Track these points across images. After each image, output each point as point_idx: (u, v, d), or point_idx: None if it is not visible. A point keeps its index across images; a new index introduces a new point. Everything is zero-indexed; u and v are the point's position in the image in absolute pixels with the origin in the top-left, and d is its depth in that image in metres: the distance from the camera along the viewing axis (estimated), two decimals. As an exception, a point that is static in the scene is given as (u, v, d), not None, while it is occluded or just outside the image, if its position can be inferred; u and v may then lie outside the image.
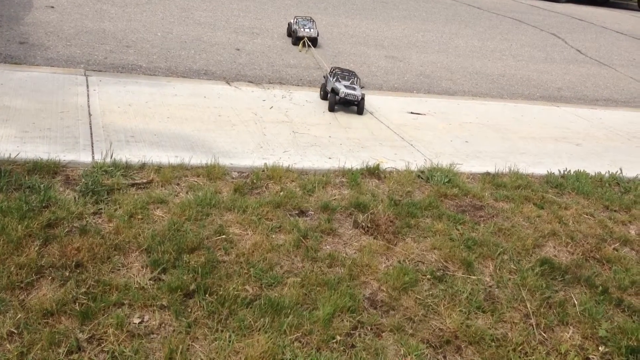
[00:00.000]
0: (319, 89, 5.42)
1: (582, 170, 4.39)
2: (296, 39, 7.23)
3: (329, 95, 5.18)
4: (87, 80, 4.71)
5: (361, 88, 5.21)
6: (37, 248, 2.59)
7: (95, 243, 2.69)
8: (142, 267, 2.64)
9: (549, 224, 3.62)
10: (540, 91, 7.18)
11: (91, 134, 3.73)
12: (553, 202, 3.89)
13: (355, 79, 5.30)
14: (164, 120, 4.16)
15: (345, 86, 5.08)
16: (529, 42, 10.21)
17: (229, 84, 5.36)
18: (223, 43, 6.81)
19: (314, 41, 7.24)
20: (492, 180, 4.07)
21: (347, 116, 4.90)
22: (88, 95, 4.36)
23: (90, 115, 4.01)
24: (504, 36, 10.37)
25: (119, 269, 2.61)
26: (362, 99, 5.08)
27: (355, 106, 5.11)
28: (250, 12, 8.67)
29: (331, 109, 5.09)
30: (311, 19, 7.42)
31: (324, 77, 5.55)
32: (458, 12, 12.50)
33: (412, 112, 5.32)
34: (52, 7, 6.97)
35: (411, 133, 4.77)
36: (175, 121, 4.19)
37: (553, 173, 4.32)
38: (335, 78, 5.23)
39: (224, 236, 2.95)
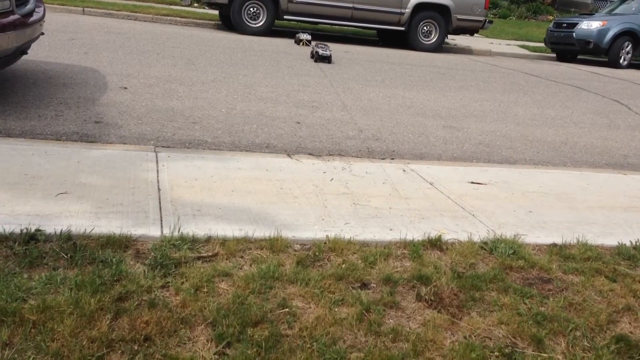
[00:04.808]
0: (378, 161, 5.77)
1: (655, 241, 4.22)
2: (298, 40, 13.53)
3: (313, 54, 11.33)
4: (156, 156, 4.95)
5: (330, 51, 11.29)
6: (108, 322, 2.67)
7: (163, 317, 2.76)
8: (207, 340, 2.68)
9: (622, 298, 3.46)
10: (605, 158, 7.02)
11: (160, 208, 3.89)
12: (626, 275, 3.73)
13: (327, 47, 11.38)
14: (228, 194, 4.30)
15: (321, 49, 11.23)
16: (591, 108, 10.07)
17: (290, 156, 5.51)
18: (284, 117, 7.04)
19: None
20: (559, 251, 3.96)
21: (407, 187, 4.91)
22: (157, 171, 4.58)
23: (159, 190, 4.20)
24: (564, 103, 10.28)
25: (185, 343, 2.65)
26: (330, 55, 11.18)
27: (327, 60, 11.18)
28: (310, 87, 8.97)
29: (315, 60, 11.11)
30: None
31: (312, 47, 11.67)
32: (515, 80, 12.52)
33: (472, 182, 5.29)
34: (125, 87, 7.43)
35: (472, 203, 4.72)
36: (239, 194, 4.32)
37: (624, 244, 4.16)
38: (317, 46, 11.34)
39: (287, 309, 2.97)
